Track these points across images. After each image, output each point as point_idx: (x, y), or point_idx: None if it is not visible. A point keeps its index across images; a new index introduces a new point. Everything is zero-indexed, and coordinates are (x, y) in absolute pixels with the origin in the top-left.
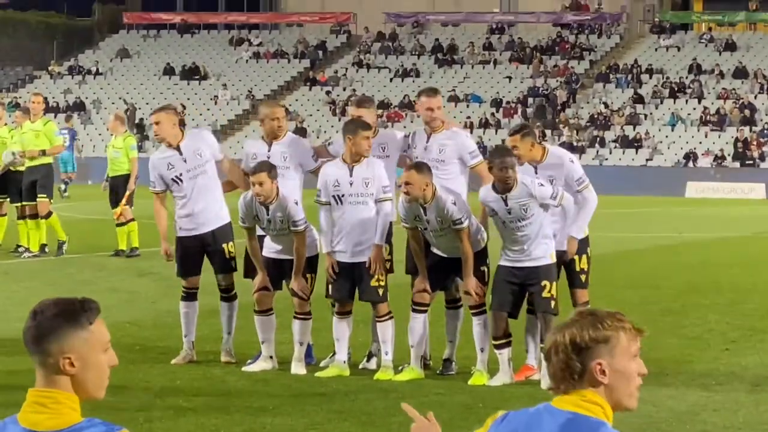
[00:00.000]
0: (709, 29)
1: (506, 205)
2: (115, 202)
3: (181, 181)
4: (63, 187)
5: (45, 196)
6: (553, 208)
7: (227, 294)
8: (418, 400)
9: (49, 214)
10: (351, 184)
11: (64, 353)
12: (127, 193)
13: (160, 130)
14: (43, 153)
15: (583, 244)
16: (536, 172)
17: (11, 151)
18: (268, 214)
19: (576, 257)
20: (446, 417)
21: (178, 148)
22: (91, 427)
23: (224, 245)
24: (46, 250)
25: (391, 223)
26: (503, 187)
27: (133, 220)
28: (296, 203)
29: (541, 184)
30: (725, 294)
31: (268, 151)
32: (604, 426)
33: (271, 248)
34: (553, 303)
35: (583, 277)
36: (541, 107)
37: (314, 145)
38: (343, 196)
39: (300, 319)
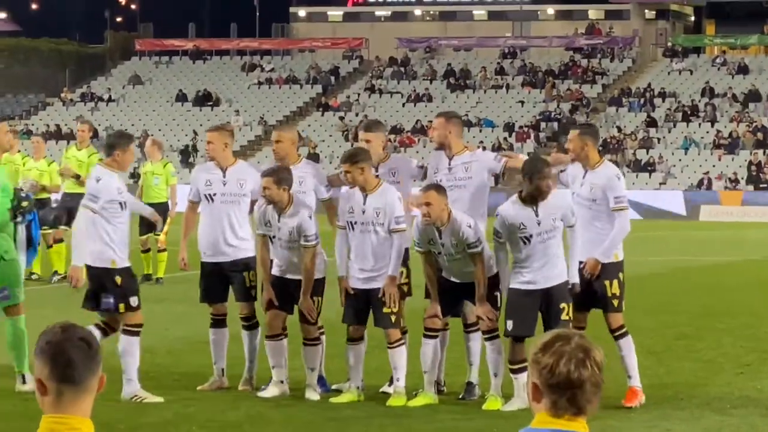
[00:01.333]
0: (723, 53)
1: (537, 215)
2: (149, 229)
3: (213, 200)
4: None
5: None
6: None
7: (248, 323)
8: (432, 426)
9: None
10: (363, 212)
11: (97, 372)
12: (169, 220)
13: (212, 150)
14: (78, 177)
15: (615, 269)
16: (584, 177)
17: (28, 180)
18: (279, 221)
19: (606, 282)
20: None
21: (224, 171)
22: None
23: (245, 273)
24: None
25: (406, 248)
26: (534, 197)
27: (165, 249)
28: (310, 217)
29: (574, 193)
30: (740, 317)
31: None
32: None
33: (277, 265)
34: (570, 326)
35: (615, 302)
36: (560, 130)
37: (329, 175)
38: (355, 223)
39: (309, 345)
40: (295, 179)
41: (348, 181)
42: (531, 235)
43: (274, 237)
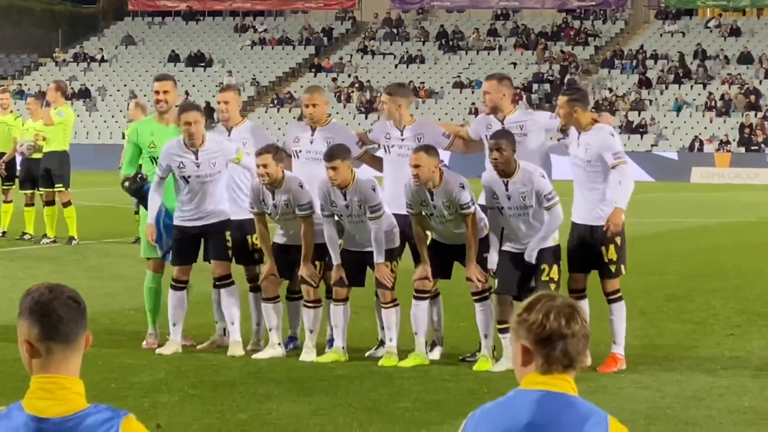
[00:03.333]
0: (720, 15)
1: (506, 190)
2: None
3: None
4: None
5: (62, 186)
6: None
7: (253, 284)
8: (423, 387)
9: (68, 203)
10: (347, 206)
11: (86, 330)
12: None
13: (228, 109)
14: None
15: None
16: (579, 138)
17: (25, 142)
18: (273, 199)
19: (603, 248)
20: (452, 403)
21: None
22: (97, 413)
23: (248, 237)
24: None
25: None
26: (498, 170)
27: None
28: (301, 186)
29: (543, 176)
30: (730, 279)
31: (312, 135)
32: (575, 398)
33: (279, 234)
34: (552, 286)
35: (612, 268)
36: (552, 92)
37: (357, 132)
38: (341, 216)
39: (310, 307)
40: (322, 140)
41: (331, 178)
42: (502, 207)
43: (270, 214)
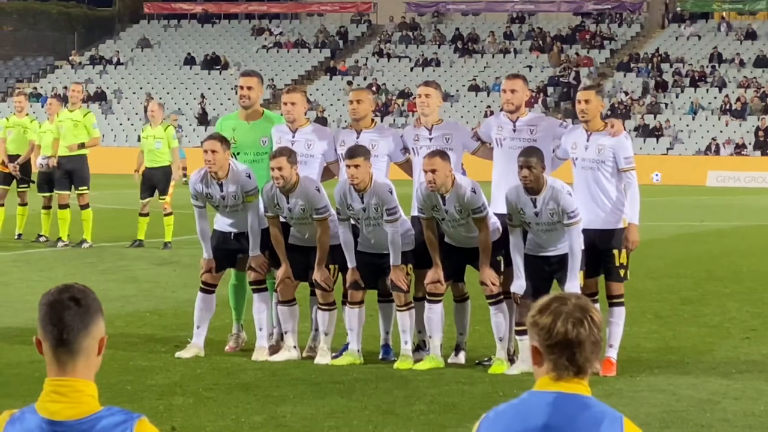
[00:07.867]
0: (731, 18)
1: (535, 206)
2: (151, 192)
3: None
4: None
5: (85, 188)
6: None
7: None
8: (438, 389)
9: (86, 206)
10: (364, 210)
11: (101, 334)
12: (173, 183)
13: (295, 111)
14: (82, 146)
15: (623, 236)
16: (588, 140)
17: (43, 156)
18: (288, 202)
19: (615, 252)
20: (466, 406)
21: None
22: (111, 416)
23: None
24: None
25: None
26: (527, 188)
27: (171, 213)
28: (318, 190)
29: (569, 194)
30: (745, 282)
31: (357, 139)
32: (590, 399)
33: (295, 236)
34: (622, 272)
35: (621, 272)
36: (563, 96)
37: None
38: (358, 219)
39: (324, 310)
40: (367, 142)
41: (352, 176)
42: (530, 223)
43: (285, 217)
